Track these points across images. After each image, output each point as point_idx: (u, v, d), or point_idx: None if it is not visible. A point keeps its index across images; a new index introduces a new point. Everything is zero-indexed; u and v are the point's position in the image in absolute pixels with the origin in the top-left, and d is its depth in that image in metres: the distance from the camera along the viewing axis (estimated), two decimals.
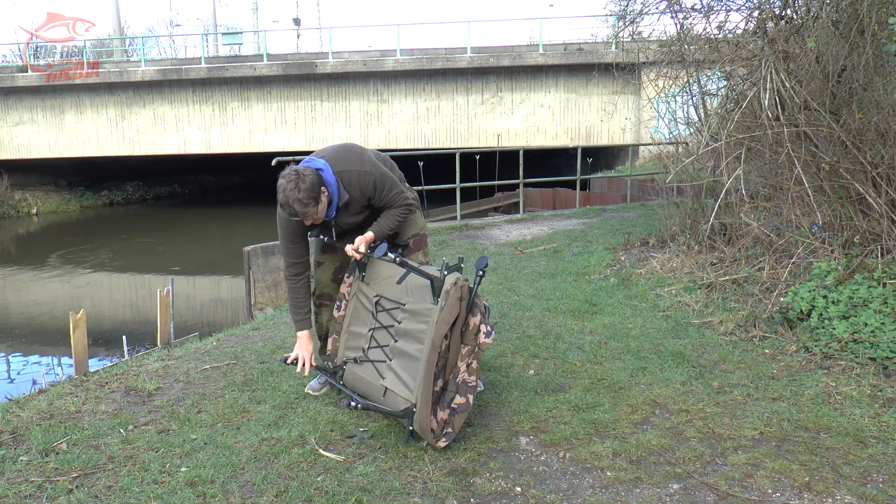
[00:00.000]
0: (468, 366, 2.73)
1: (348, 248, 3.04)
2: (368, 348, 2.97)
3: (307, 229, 3.11)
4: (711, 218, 5.37)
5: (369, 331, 2.99)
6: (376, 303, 2.98)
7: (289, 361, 3.19)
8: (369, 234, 3.05)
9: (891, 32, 3.79)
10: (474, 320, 2.72)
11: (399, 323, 2.85)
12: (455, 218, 10.01)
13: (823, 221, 4.41)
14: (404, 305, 2.84)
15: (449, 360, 2.72)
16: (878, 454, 2.61)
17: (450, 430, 2.69)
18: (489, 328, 2.76)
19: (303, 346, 3.18)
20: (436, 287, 2.71)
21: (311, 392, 3.34)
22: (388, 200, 3.09)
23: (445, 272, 2.71)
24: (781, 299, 4.09)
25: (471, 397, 2.72)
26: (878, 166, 4.02)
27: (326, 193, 2.91)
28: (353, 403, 2.81)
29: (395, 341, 2.84)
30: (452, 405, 2.70)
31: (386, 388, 2.80)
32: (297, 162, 3.02)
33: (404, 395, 2.71)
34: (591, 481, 2.48)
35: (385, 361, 2.85)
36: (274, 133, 19.77)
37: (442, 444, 2.67)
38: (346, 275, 3.19)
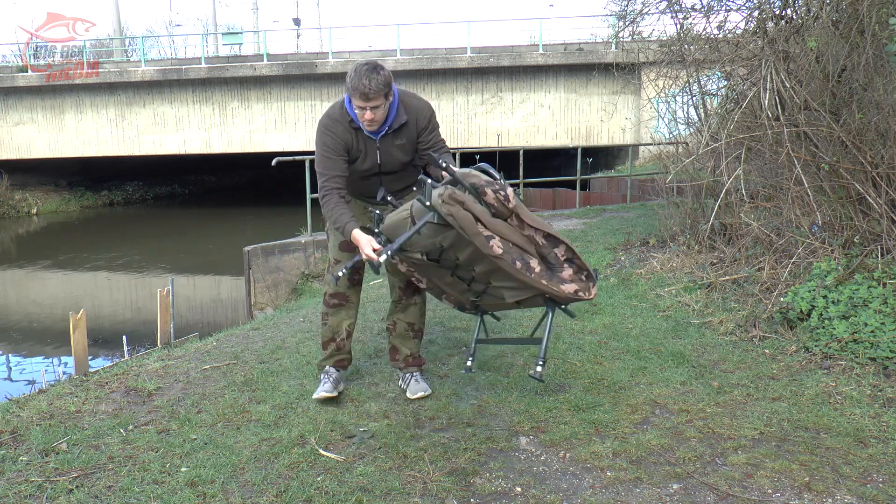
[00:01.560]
0: (533, 228, 2.72)
1: (367, 254, 2.85)
2: (467, 290, 2.98)
3: (348, 144, 2.99)
4: (711, 218, 5.36)
5: (452, 276, 2.93)
6: (426, 257, 2.87)
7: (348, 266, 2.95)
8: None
9: (891, 32, 3.79)
10: (490, 196, 2.62)
11: (458, 259, 2.79)
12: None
13: (823, 221, 4.41)
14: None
15: (515, 241, 2.65)
16: (878, 454, 2.61)
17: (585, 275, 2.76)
18: (500, 187, 2.64)
19: (364, 241, 2.84)
20: (423, 211, 2.61)
21: (325, 394, 3.18)
22: (435, 142, 3.06)
23: (426, 197, 2.59)
24: (781, 299, 4.09)
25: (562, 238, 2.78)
26: (878, 166, 4.02)
27: (391, 98, 2.89)
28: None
29: (474, 270, 2.80)
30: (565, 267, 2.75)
31: (516, 300, 2.81)
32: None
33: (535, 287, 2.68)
34: (591, 481, 2.49)
35: (486, 289, 2.87)
36: (274, 133, 19.78)
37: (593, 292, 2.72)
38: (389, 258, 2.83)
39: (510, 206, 2.63)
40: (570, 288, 2.66)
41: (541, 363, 2.78)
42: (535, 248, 2.70)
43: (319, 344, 3.46)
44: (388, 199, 3.07)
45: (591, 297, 2.70)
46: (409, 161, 3.14)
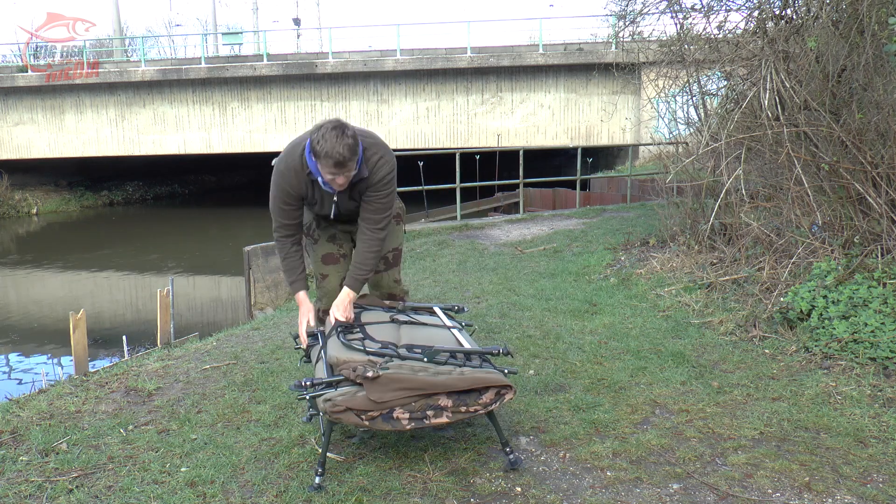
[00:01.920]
0: None
1: (334, 317, 2.85)
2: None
3: (303, 194, 2.90)
4: (711, 218, 5.37)
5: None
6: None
7: (302, 341, 2.96)
8: (348, 294, 2.89)
9: (891, 32, 3.79)
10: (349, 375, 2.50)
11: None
12: (455, 218, 10.01)
13: (823, 221, 4.41)
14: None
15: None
16: (878, 454, 2.61)
17: None
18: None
19: (304, 307, 2.97)
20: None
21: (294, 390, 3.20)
22: (383, 200, 2.88)
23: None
24: (781, 299, 4.09)
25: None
26: (878, 166, 4.02)
27: (356, 160, 2.72)
28: None
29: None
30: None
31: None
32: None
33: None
34: (591, 481, 2.48)
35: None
36: (274, 133, 19.78)
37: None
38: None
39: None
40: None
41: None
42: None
43: None
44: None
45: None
46: (358, 205, 2.99)
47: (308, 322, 2.98)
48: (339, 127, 2.64)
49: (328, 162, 2.64)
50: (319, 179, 2.79)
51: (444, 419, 2.45)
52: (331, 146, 2.60)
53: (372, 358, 2.50)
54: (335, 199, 2.91)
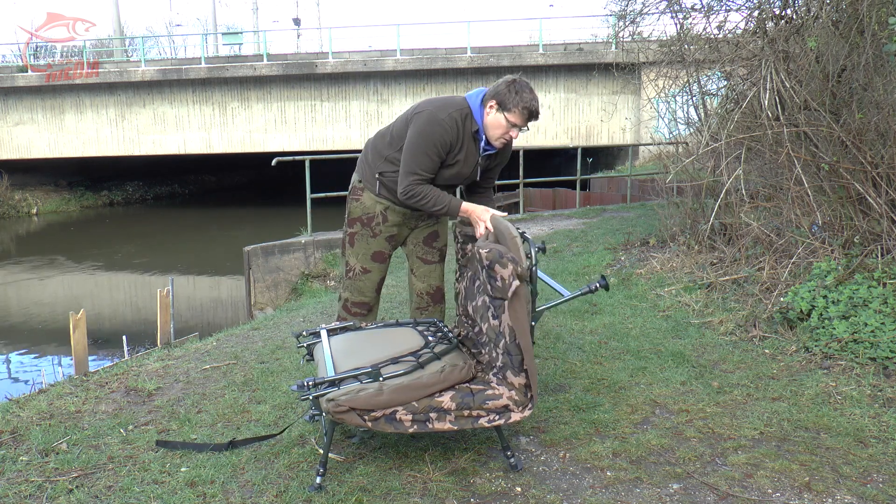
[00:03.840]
0: None
1: (481, 230, 2.83)
2: None
3: (454, 149, 2.91)
4: (711, 218, 5.37)
5: None
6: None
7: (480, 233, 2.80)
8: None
9: (891, 32, 3.79)
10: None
11: None
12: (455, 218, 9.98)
13: (823, 221, 4.41)
14: None
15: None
16: (878, 454, 2.61)
17: None
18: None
19: (478, 209, 2.86)
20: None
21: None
22: (496, 173, 3.18)
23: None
24: (781, 299, 4.09)
25: None
26: (878, 166, 4.02)
27: None
28: None
29: None
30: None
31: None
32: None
33: None
34: (591, 481, 2.48)
35: None
36: (274, 133, 19.79)
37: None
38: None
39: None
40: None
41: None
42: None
43: None
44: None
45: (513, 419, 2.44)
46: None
47: (487, 224, 2.80)
48: (525, 82, 2.84)
49: (522, 112, 2.81)
50: (482, 138, 2.91)
51: (446, 425, 2.45)
52: (530, 98, 2.80)
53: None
54: (479, 161, 3.00)
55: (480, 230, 2.84)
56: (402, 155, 2.92)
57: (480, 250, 2.50)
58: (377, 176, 3.08)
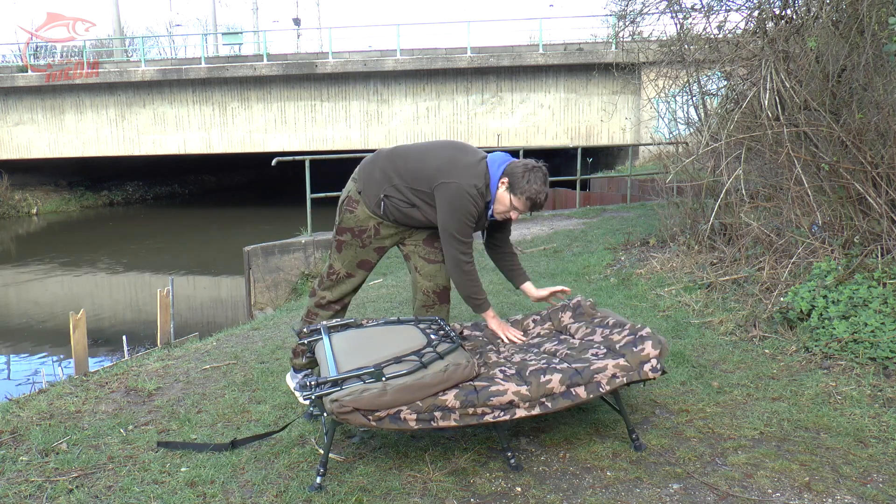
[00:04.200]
0: None
1: (507, 337, 3.10)
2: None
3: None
4: (711, 218, 5.37)
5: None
6: None
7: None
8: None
9: (891, 32, 3.79)
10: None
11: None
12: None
13: (823, 221, 4.41)
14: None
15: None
16: (878, 454, 2.61)
17: None
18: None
19: (500, 324, 3.14)
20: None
21: (296, 391, 3.22)
22: (510, 224, 3.25)
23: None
24: (781, 299, 4.09)
25: None
26: (878, 166, 4.02)
27: None
28: None
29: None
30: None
31: None
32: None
33: None
34: (591, 481, 2.48)
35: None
36: (274, 133, 19.79)
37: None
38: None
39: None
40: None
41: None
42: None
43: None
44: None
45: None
46: None
47: (506, 332, 3.11)
48: (545, 174, 2.94)
49: (527, 203, 2.92)
50: (490, 209, 3.01)
51: (451, 423, 2.45)
52: (538, 189, 2.90)
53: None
54: (486, 225, 3.11)
55: (503, 337, 3.12)
56: (440, 216, 2.99)
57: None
58: (382, 197, 3.08)
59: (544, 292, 3.23)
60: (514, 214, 2.99)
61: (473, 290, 3.08)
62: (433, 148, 3.09)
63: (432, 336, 2.73)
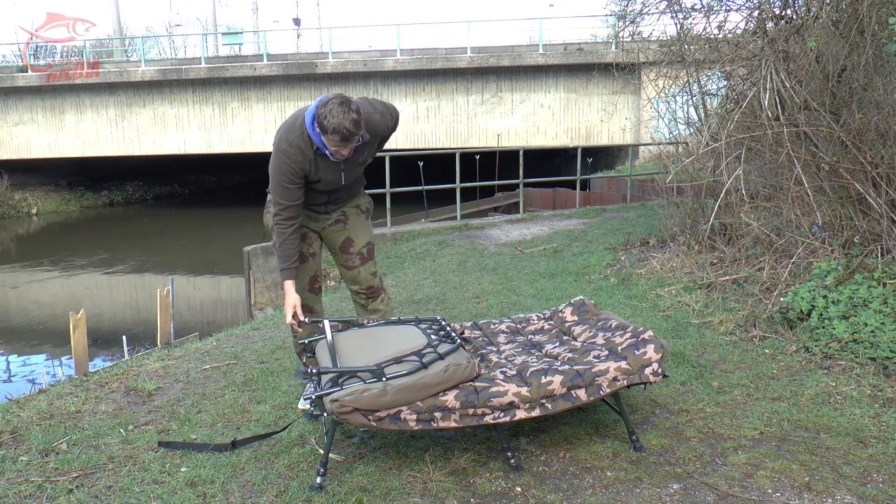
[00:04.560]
0: None
1: (287, 317, 2.99)
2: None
3: (307, 171, 2.93)
4: (711, 218, 5.37)
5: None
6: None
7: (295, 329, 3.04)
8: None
9: (891, 32, 3.79)
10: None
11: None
12: (455, 218, 10.01)
13: (823, 221, 4.41)
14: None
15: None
16: (878, 454, 2.61)
17: None
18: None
19: (290, 297, 2.99)
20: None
21: (304, 404, 3.13)
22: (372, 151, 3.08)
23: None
24: (781, 299, 4.09)
25: None
26: (878, 166, 4.02)
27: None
28: None
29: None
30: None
31: None
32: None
33: None
34: (591, 481, 2.48)
35: None
36: (274, 133, 19.76)
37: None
38: None
39: None
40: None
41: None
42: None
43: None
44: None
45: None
46: (359, 175, 3.18)
47: (296, 311, 2.98)
48: (345, 102, 2.71)
49: (335, 137, 2.71)
50: (326, 152, 2.85)
51: (451, 423, 2.45)
52: (338, 122, 2.67)
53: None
54: (343, 167, 2.97)
55: (287, 316, 2.99)
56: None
57: None
58: None
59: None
60: (344, 151, 2.81)
61: (280, 254, 3.00)
62: (284, 121, 3.08)
63: (433, 336, 2.74)
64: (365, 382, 2.42)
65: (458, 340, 2.69)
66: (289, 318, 2.99)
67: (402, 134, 19.00)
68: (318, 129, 2.78)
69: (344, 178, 3.04)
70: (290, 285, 3.02)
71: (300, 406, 3.14)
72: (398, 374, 2.44)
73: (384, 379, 2.41)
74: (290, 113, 3.21)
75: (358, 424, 2.41)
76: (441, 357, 2.53)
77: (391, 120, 3.07)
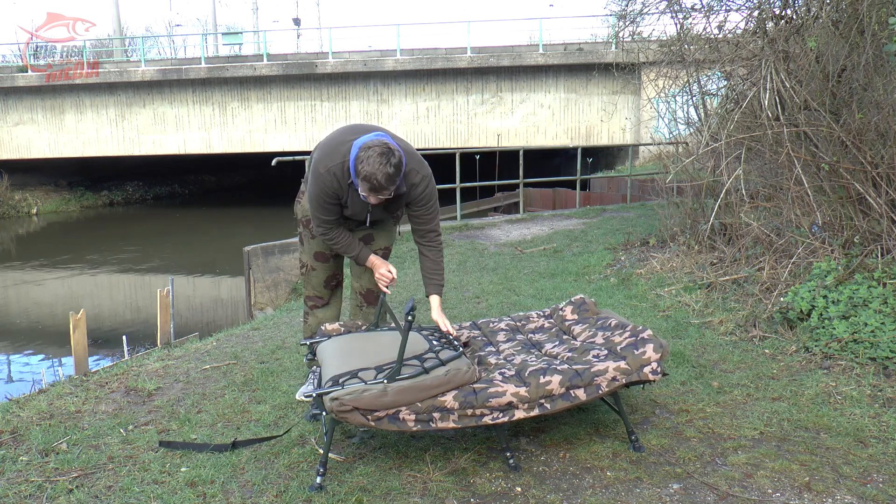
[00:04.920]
0: None
1: (382, 283, 3.05)
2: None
3: (342, 197, 2.92)
4: (711, 218, 5.37)
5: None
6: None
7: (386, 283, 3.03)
8: (439, 302, 3.07)
9: (891, 32, 3.79)
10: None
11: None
12: (455, 218, 10.01)
13: (823, 221, 4.41)
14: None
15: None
16: (878, 454, 2.61)
17: None
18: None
19: (379, 264, 3.05)
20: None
21: (303, 397, 3.20)
22: (429, 217, 3.02)
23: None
24: (781, 299, 4.09)
25: None
26: (878, 166, 4.02)
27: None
28: None
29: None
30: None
31: None
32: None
33: None
34: (591, 481, 2.48)
35: None
36: (274, 133, 19.78)
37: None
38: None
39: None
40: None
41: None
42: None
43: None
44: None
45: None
46: (395, 214, 3.18)
47: (388, 272, 3.05)
48: (387, 153, 2.66)
49: (365, 185, 2.70)
50: (358, 189, 2.83)
51: (450, 424, 2.45)
52: (371, 171, 2.65)
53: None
54: (370, 209, 2.98)
55: (381, 274, 3.06)
56: None
57: None
58: (301, 186, 3.18)
59: (440, 322, 2.99)
60: (371, 199, 2.78)
61: (343, 251, 3.08)
62: (331, 134, 3.05)
63: (434, 343, 2.74)
64: (366, 383, 2.42)
65: (461, 349, 2.70)
66: (384, 271, 3.04)
67: (401, 134, 18.91)
68: (354, 171, 2.76)
69: (369, 220, 3.07)
70: (371, 258, 3.07)
71: (298, 397, 3.13)
72: (400, 378, 2.45)
73: (385, 381, 2.42)
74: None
75: (357, 424, 2.42)
76: (443, 363, 2.54)
77: (425, 185, 2.98)
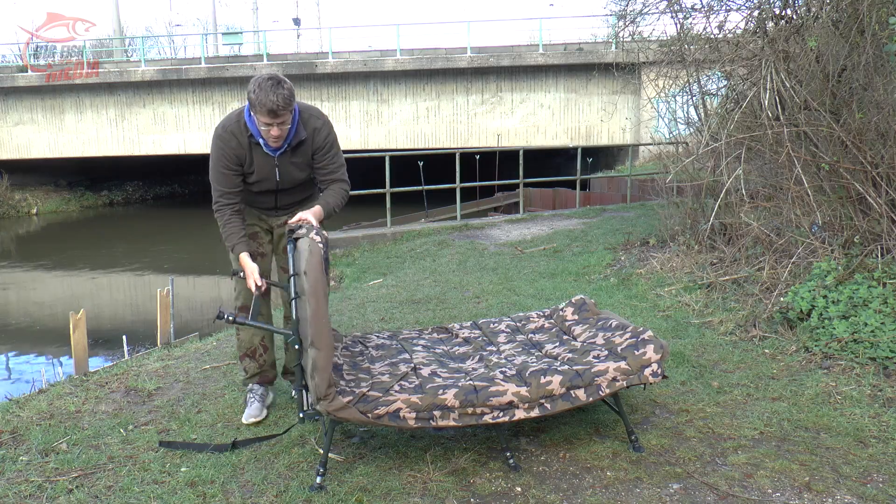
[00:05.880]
0: None
1: (249, 284, 2.91)
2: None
3: (243, 159, 2.90)
4: (711, 218, 5.37)
5: None
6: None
7: (232, 316, 2.69)
8: (316, 208, 2.89)
9: (891, 32, 3.79)
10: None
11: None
12: (455, 218, 10.01)
13: (823, 221, 4.41)
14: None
15: None
16: (878, 454, 2.61)
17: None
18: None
19: (248, 266, 2.90)
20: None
21: (253, 419, 3.04)
22: (333, 166, 2.99)
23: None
24: (781, 299, 4.09)
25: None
26: (878, 166, 4.02)
27: (293, 113, 2.81)
28: None
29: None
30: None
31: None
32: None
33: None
34: (591, 481, 2.48)
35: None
36: None
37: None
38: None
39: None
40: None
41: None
42: None
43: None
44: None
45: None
46: (305, 177, 3.08)
47: (255, 280, 2.88)
48: (275, 78, 2.71)
49: (262, 110, 2.70)
50: (261, 141, 2.86)
51: (450, 422, 2.45)
52: (265, 95, 2.67)
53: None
54: (276, 162, 2.94)
55: (249, 282, 2.90)
56: None
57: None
58: None
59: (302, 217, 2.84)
60: (274, 131, 2.78)
61: (226, 233, 2.95)
62: None
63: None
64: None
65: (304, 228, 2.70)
66: (250, 283, 2.89)
67: (402, 134, 19.00)
68: (253, 111, 2.76)
69: (278, 175, 2.98)
70: (244, 256, 2.93)
71: (294, 392, 3.13)
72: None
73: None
74: None
75: (356, 421, 2.42)
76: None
77: (327, 129, 2.98)
